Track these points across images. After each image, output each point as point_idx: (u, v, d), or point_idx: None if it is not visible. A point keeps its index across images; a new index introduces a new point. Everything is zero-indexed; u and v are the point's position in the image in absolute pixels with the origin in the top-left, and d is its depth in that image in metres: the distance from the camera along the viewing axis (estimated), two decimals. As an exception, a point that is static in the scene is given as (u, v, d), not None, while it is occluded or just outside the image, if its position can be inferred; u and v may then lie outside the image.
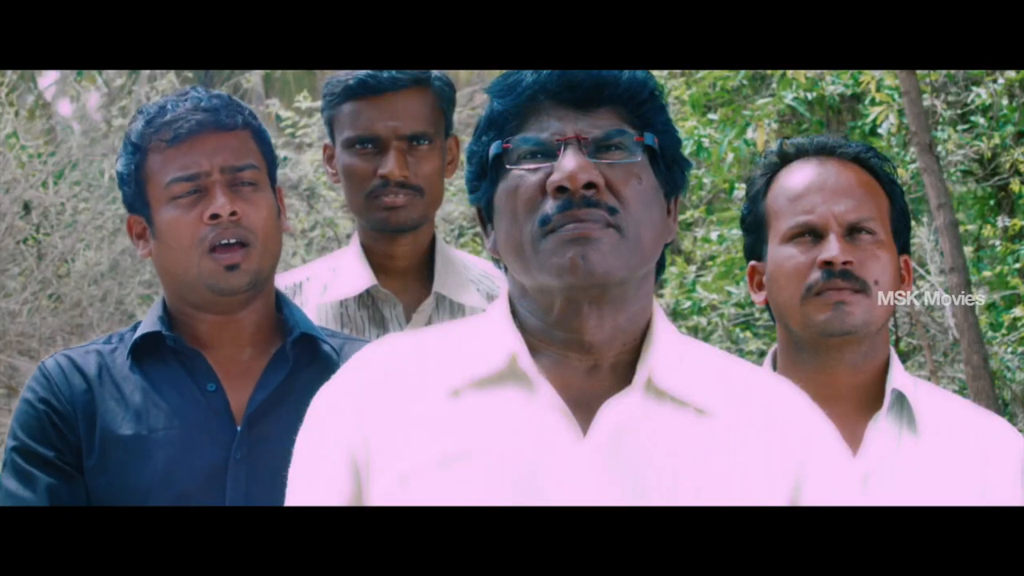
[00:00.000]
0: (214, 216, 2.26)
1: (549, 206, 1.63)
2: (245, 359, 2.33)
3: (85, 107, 10.53)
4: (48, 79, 12.38)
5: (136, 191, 2.33)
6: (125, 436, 2.24)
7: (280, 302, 2.41)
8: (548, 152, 1.66)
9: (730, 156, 7.22)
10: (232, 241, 2.26)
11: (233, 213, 2.26)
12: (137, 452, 2.23)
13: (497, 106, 1.70)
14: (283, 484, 2.19)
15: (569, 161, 1.63)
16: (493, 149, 1.69)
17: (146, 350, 2.32)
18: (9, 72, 8.39)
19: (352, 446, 1.68)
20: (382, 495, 1.65)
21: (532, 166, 1.66)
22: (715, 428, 1.67)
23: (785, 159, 2.32)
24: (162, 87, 9.04)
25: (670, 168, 1.72)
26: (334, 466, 1.69)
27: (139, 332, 2.33)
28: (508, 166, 1.68)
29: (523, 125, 1.68)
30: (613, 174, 1.65)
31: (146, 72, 9.31)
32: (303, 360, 2.33)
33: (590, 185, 1.63)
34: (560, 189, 1.63)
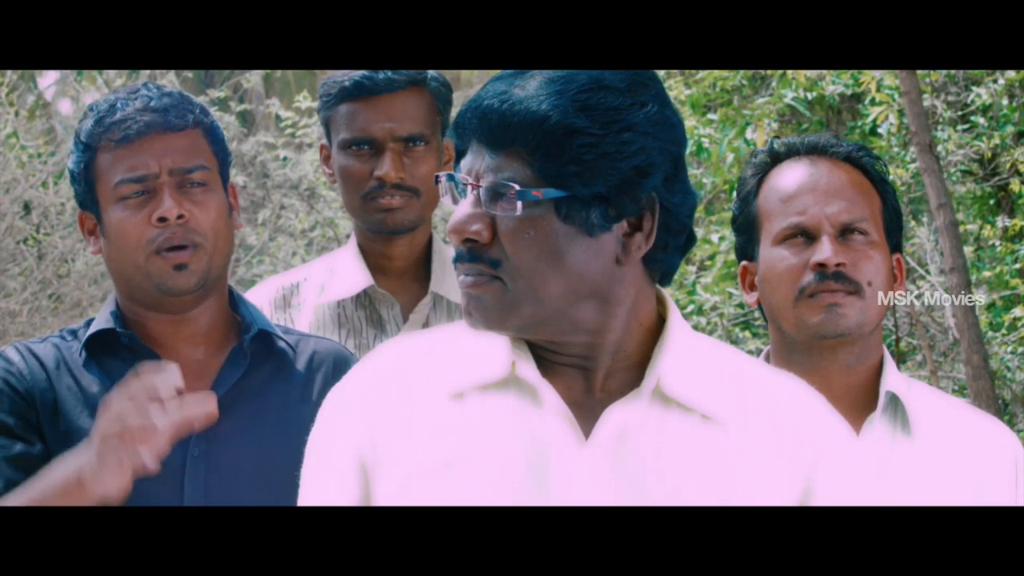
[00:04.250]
0: (162, 219, 2.25)
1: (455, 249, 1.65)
2: (200, 358, 2.32)
3: (85, 107, 10.53)
4: (48, 79, 12.38)
5: (86, 189, 2.33)
6: (84, 429, 2.21)
7: (234, 299, 2.40)
8: (464, 191, 1.64)
9: (730, 156, 7.22)
10: (180, 244, 2.26)
11: (181, 216, 2.25)
12: None
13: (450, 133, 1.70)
14: (242, 481, 2.20)
15: (459, 211, 1.62)
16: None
17: (100, 347, 2.31)
18: (9, 72, 8.39)
19: (360, 447, 1.68)
20: (386, 497, 1.65)
21: (458, 204, 1.66)
22: (722, 434, 1.65)
23: (776, 159, 2.32)
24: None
25: (606, 201, 1.61)
26: (343, 467, 1.69)
27: (92, 329, 2.31)
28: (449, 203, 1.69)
29: (463, 155, 1.66)
30: (503, 224, 1.61)
31: (146, 72, 9.30)
32: (259, 357, 2.33)
33: (472, 239, 1.61)
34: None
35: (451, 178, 1.66)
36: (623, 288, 1.66)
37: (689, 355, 1.69)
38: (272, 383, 2.32)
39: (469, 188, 1.62)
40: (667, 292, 1.74)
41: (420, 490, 1.63)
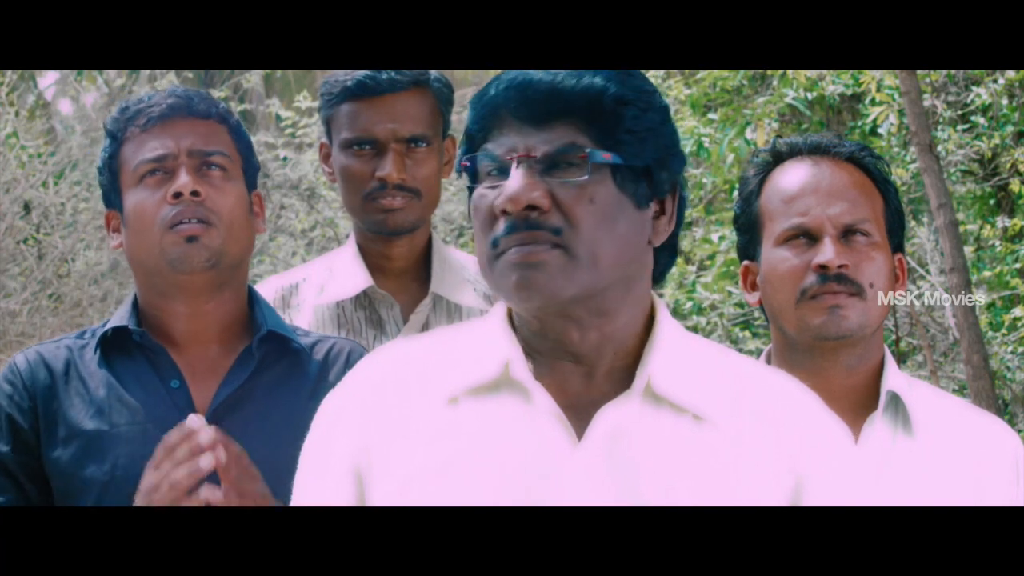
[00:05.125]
0: (176, 195, 2.27)
1: (499, 227, 1.62)
2: (212, 356, 2.34)
3: (85, 107, 10.53)
4: (48, 79, 12.38)
5: (110, 179, 2.36)
6: (86, 431, 2.25)
7: (252, 300, 2.41)
8: (504, 169, 1.64)
9: (730, 156, 7.22)
10: (193, 219, 2.27)
11: (195, 193, 2.27)
12: (97, 447, 2.24)
13: (468, 119, 1.70)
14: None
15: (513, 181, 1.61)
16: (464, 164, 1.69)
17: (114, 345, 2.33)
18: (9, 72, 8.39)
19: (355, 452, 1.68)
20: (381, 501, 1.65)
21: (490, 184, 1.65)
22: (714, 434, 1.65)
23: (778, 158, 2.32)
24: (162, 87, 9.02)
25: (649, 175, 1.67)
26: (338, 472, 1.69)
27: (107, 326, 2.34)
28: (470, 185, 1.68)
29: (487, 139, 1.66)
30: (563, 193, 1.61)
31: (146, 72, 9.30)
32: (270, 359, 2.34)
33: (534, 206, 1.61)
34: (505, 211, 1.62)
35: (485, 158, 1.65)
36: (643, 272, 1.70)
37: (679, 353, 1.69)
38: (283, 384, 2.33)
39: (515, 163, 1.62)
40: (655, 294, 1.75)
41: (415, 495, 1.63)
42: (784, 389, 1.73)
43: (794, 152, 2.31)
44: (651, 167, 1.66)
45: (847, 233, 2.23)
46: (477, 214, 1.66)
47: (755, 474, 1.65)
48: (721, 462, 1.64)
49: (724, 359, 1.74)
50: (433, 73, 2.82)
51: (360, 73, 2.76)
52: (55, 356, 2.33)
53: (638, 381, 1.66)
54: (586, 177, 1.62)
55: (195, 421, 2.10)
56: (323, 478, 1.70)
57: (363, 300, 2.82)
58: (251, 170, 2.41)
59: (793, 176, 2.28)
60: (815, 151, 2.30)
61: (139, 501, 2.11)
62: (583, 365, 1.67)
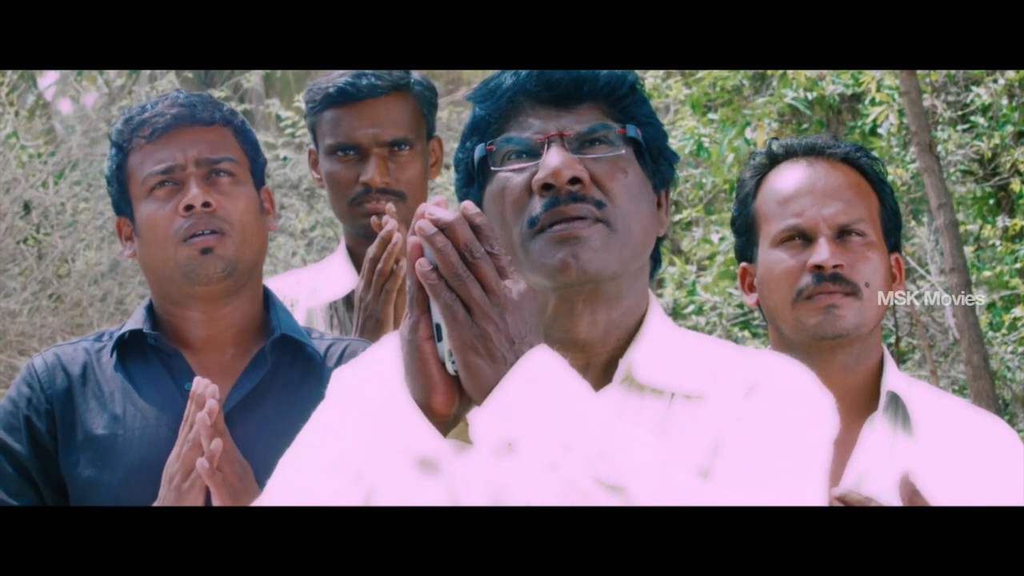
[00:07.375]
0: (188, 207, 2.28)
1: (536, 205, 1.64)
2: (227, 359, 2.35)
3: (85, 107, 10.53)
4: (48, 79, 12.37)
5: (119, 191, 2.37)
6: (101, 435, 2.26)
7: (268, 303, 2.41)
8: (532, 152, 1.66)
9: (730, 156, 7.21)
10: (206, 231, 2.27)
11: (206, 204, 2.28)
12: (112, 450, 2.25)
13: (479, 111, 1.71)
14: (261, 481, 2.21)
15: (553, 158, 1.64)
16: (478, 152, 1.70)
17: (130, 348, 2.34)
18: (9, 72, 8.39)
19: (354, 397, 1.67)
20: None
21: (517, 166, 1.67)
22: (694, 412, 1.65)
23: (774, 160, 2.32)
24: (162, 87, 9.03)
25: (656, 161, 1.73)
26: (341, 407, 1.69)
27: (123, 329, 2.36)
28: (493, 168, 1.69)
29: (505, 127, 1.69)
30: (598, 168, 1.66)
31: (146, 72, 9.30)
32: (284, 361, 2.35)
33: (575, 180, 1.63)
34: (546, 187, 1.64)
35: (509, 142, 1.67)
36: (647, 263, 1.73)
37: (666, 345, 1.70)
38: (296, 387, 2.34)
39: (547, 143, 1.65)
40: (651, 292, 1.77)
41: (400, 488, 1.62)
42: (767, 358, 1.73)
43: (789, 154, 2.31)
44: (660, 153, 1.72)
45: (842, 233, 2.23)
46: (504, 196, 1.67)
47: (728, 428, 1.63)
48: (708, 431, 1.63)
49: (709, 344, 1.75)
50: (415, 76, 2.83)
51: (341, 80, 2.77)
52: (72, 359, 2.33)
53: (619, 371, 1.68)
54: (623, 151, 1.66)
55: (200, 385, 2.15)
56: (324, 416, 1.70)
57: (354, 300, 2.83)
58: (258, 169, 2.42)
59: (788, 178, 2.28)
60: (810, 152, 2.30)
61: (162, 488, 2.16)
62: (584, 354, 1.68)
